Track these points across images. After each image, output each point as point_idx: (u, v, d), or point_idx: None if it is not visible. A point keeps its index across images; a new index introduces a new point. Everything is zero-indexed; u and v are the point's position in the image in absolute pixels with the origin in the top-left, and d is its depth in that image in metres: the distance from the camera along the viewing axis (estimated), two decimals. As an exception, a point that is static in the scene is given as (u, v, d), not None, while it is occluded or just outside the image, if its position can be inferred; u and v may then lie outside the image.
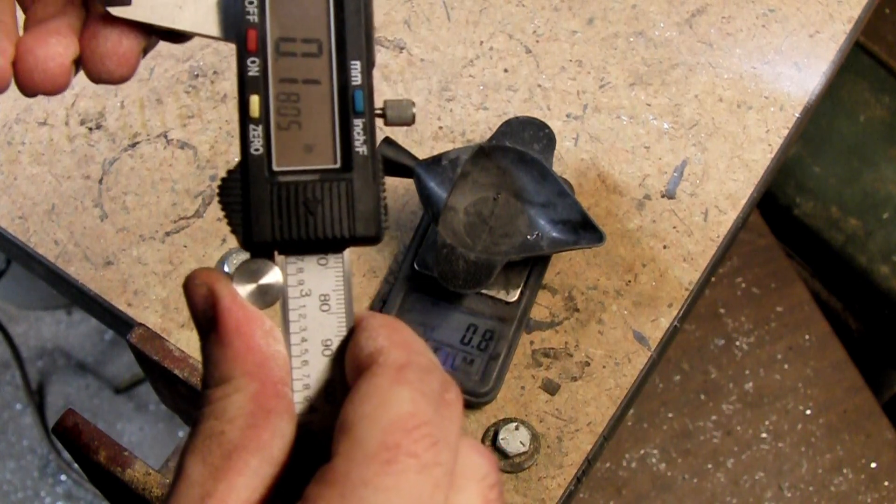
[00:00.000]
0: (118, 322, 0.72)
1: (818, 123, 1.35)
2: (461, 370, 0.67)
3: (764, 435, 1.16)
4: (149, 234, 0.74)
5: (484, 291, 0.70)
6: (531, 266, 0.71)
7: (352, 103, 0.37)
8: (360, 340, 0.35)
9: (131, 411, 1.79)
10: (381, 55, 0.83)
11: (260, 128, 0.37)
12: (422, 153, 0.71)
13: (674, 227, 0.76)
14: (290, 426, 0.34)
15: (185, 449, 0.33)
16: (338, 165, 0.37)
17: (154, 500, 0.63)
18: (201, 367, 0.36)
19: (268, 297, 0.36)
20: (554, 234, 0.70)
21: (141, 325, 0.69)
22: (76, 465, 1.60)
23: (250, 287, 0.36)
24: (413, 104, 0.40)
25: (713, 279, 0.95)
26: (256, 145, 0.36)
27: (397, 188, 0.76)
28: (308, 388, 0.36)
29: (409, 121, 0.40)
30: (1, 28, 0.39)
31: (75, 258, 0.73)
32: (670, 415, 1.16)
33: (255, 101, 0.37)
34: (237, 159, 0.37)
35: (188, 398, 0.68)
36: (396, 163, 0.69)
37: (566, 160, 0.79)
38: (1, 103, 0.80)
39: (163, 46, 0.83)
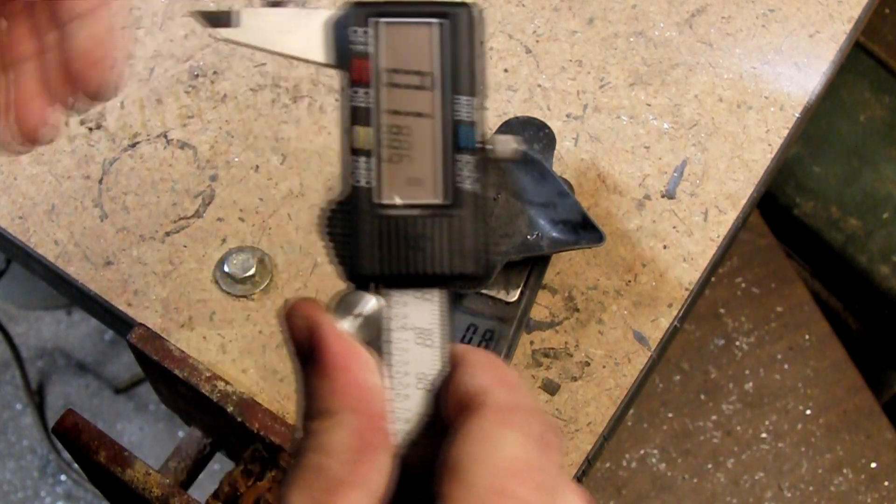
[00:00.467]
0: (118, 322, 0.72)
1: (818, 123, 1.35)
2: (461, 370, 0.67)
3: (764, 435, 1.16)
4: (149, 234, 0.74)
5: (484, 291, 0.70)
6: (531, 266, 0.71)
7: (460, 139, 0.37)
8: (463, 377, 0.35)
9: (131, 411, 1.79)
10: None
11: (368, 160, 0.36)
12: (422, 153, 0.71)
13: (674, 227, 0.76)
14: (390, 461, 0.34)
15: (288, 482, 0.33)
16: (444, 201, 0.36)
17: (154, 500, 0.63)
18: (301, 397, 0.36)
19: (367, 329, 0.36)
20: (554, 234, 0.70)
21: (141, 325, 0.69)
22: (76, 465, 1.60)
23: (351, 320, 0.36)
24: (518, 140, 0.39)
25: (713, 279, 0.95)
26: (364, 178, 0.36)
27: (397, 188, 0.76)
28: (407, 422, 0.36)
29: (514, 156, 0.39)
30: None
31: (75, 258, 0.73)
32: (670, 415, 1.16)
33: (363, 132, 0.36)
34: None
35: (188, 398, 0.68)
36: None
37: (566, 160, 0.79)
38: (1, 103, 0.80)
39: (163, 46, 0.83)
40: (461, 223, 0.36)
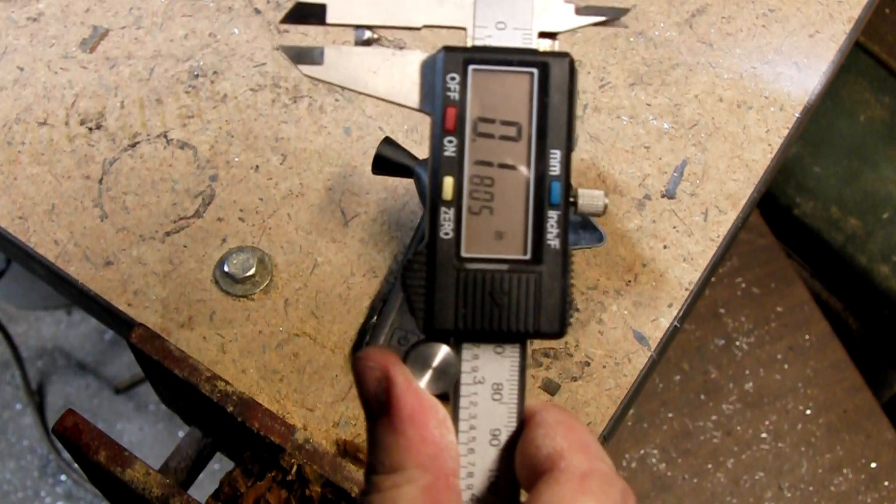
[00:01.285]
0: (118, 322, 0.72)
1: (818, 123, 1.35)
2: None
3: (764, 435, 1.16)
4: (149, 234, 0.74)
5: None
6: (531, 266, 0.71)
7: (548, 194, 0.36)
8: (537, 438, 0.34)
9: (131, 411, 1.79)
10: (381, 55, 0.83)
11: (451, 211, 0.36)
12: (422, 153, 0.71)
13: (674, 227, 0.76)
14: None
15: None
16: (528, 257, 0.36)
17: (154, 500, 0.63)
18: (368, 449, 0.35)
19: (441, 382, 0.36)
20: (554, 234, 0.69)
21: (141, 325, 0.69)
22: (76, 465, 1.60)
23: (426, 373, 0.35)
24: (605, 195, 0.39)
25: (713, 279, 0.95)
26: (447, 229, 0.36)
27: (397, 188, 0.76)
28: (472, 477, 0.36)
29: (601, 212, 0.38)
30: None
31: (75, 258, 0.73)
32: (670, 415, 1.16)
33: (448, 182, 0.36)
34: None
35: (188, 398, 0.68)
36: (396, 163, 0.69)
37: (566, 160, 0.79)
38: (1, 103, 0.80)
39: (163, 46, 0.83)
40: (544, 281, 0.36)
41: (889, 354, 1.35)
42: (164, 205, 0.75)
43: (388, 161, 0.69)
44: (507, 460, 0.36)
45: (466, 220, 0.36)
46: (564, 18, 0.38)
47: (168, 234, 0.74)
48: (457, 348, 0.36)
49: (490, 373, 0.36)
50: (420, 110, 0.37)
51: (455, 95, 0.36)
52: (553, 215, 0.36)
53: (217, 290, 0.72)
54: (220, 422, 0.67)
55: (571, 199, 0.37)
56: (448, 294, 0.35)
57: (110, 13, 0.85)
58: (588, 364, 0.70)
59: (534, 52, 0.37)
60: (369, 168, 0.69)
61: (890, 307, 1.31)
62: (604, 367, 0.70)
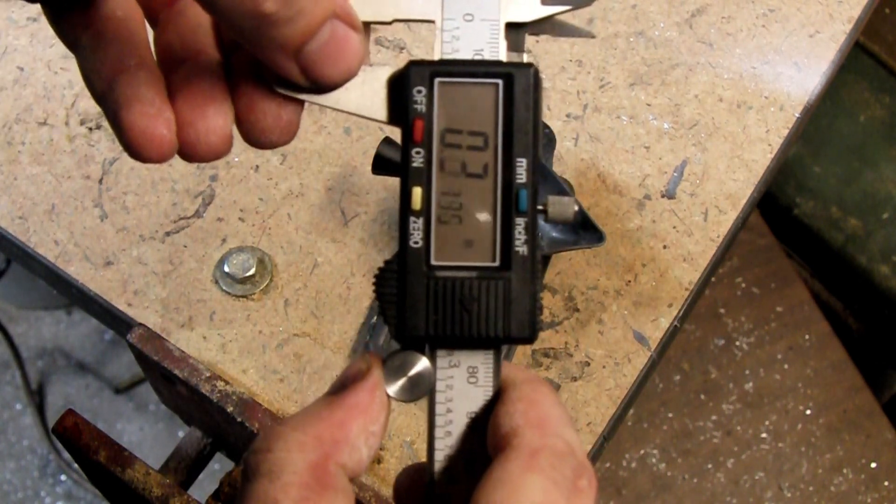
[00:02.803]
0: (118, 322, 0.72)
1: (818, 123, 1.35)
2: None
3: (764, 435, 1.16)
4: (149, 234, 0.74)
5: (484, 291, 0.70)
6: (531, 266, 0.71)
7: (515, 202, 0.36)
8: (500, 416, 0.35)
9: (131, 411, 1.79)
10: (381, 55, 0.83)
11: (420, 220, 0.36)
12: (422, 153, 0.71)
13: (674, 227, 0.76)
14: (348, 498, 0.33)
15: None
16: (496, 264, 0.36)
17: (154, 500, 0.63)
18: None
19: (418, 389, 0.36)
20: (554, 234, 0.70)
21: (141, 325, 0.69)
22: (76, 465, 1.60)
23: (401, 382, 0.36)
24: (575, 202, 0.39)
25: (713, 279, 0.95)
26: (416, 238, 0.36)
27: (397, 188, 0.76)
28: (449, 459, 0.36)
29: (571, 218, 0.39)
30: (157, 100, 0.36)
31: (75, 258, 0.73)
32: (670, 415, 1.16)
33: (417, 192, 0.37)
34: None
35: (188, 398, 0.68)
36: (396, 163, 0.69)
37: (566, 160, 0.79)
38: (1, 103, 0.80)
39: (163, 46, 0.83)
40: (513, 286, 0.36)
41: (889, 354, 1.35)
42: (164, 205, 0.75)
43: (388, 161, 0.69)
44: (482, 441, 0.36)
45: (435, 229, 0.37)
46: (531, 8, 0.38)
47: (168, 234, 0.74)
48: (431, 355, 0.37)
49: (465, 356, 0.37)
50: (390, 124, 0.38)
51: (422, 108, 0.37)
52: (521, 222, 0.36)
53: (217, 290, 0.72)
54: (220, 422, 0.67)
55: (542, 207, 0.38)
56: (419, 301, 0.36)
57: (110, 13, 0.85)
58: (588, 364, 0.70)
59: (499, 63, 0.37)
60: (369, 168, 0.69)
61: (890, 307, 1.31)
62: (604, 367, 0.70)
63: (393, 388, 0.36)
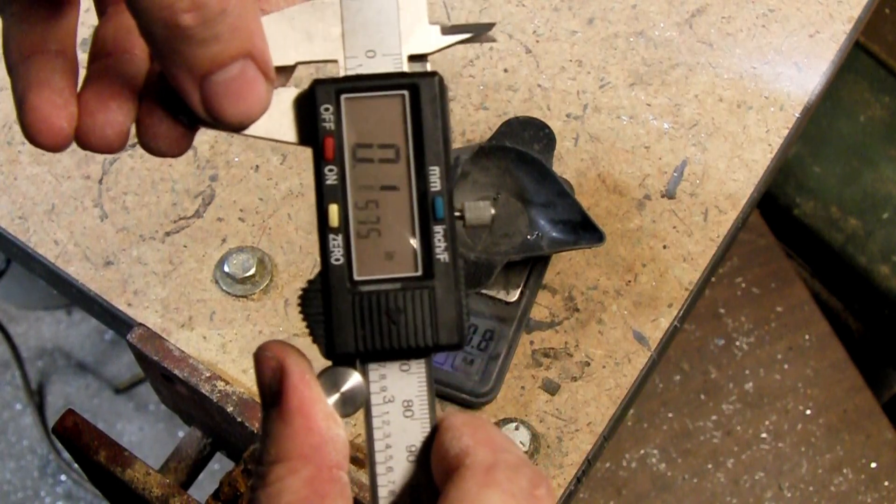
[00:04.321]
0: (118, 322, 0.72)
1: (818, 123, 1.35)
2: (461, 370, 0.67)
3: (764, 435, 1.16)
4: (149, 234, 0.74)
5: (484, 291, 0.70)
6: (531, 266, 0.71)
7: (432, 210, 0.36)
8: (445, 441, 0.35)
9: (131, 411, 1.79)
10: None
11: (340, 237, 0.36)
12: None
13: (674, 227, 0.76)
14: None
15: None
16: (419, 273, 0.36)
17: (154, 500, 0.63)
18: (259, 442, 0.35)
19: (351, 405, 0.36)
20: (554, 234, 0.70)
21: (141, 325, 0.69)
22: (76, 465, 1.60)
23: (333, 396, 0.36)
24: (490, 206, 0.39)
25: (713, 279, 0.95)
26: (337, 255, 0.36)
27: (397, 188, 0.76)
28: (394, 494, 0.36)
29: (488, 222, 0.39)
30: (66, 91, 0.36)
31: (75, 258, 0.73)
32: (670, 415, 1.16)
33: (333, 209, 0.36)
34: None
35: (188, 398, 0.68)
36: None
37: (566, 160, 0.79)
38: (1, 103, 0.80)
39: (163, 46, 0.83)
40: (437, 294, 0.36)
41: (889, 354, 1.35)
42: (164, 205, 0.75)
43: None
44: (426, 472, 0.36)
45: (355, 245, 0.36)
46: (431, 40, 0.38)
47: (168, 234, 0.74)
48: (363, 370, 0.37)
49: (399, 391, 0.37)
50: (300, 144, 0.38)
51: (330, 125, 0.36)
52: (439, 230, 0.36)
53: (217, 290, 0.72)
54: (220, 422, 0.67)
55: (458, 213, 0.38)
56: (345, 318, 0.36)
57: (110, 13, 0.85)
58: (588, 364, 0.70)
59: (403, 74, 0.37)
60: (369, 168, 0.69)
61: (890, 307, 1.31)
62: (604, 367, 0.70)
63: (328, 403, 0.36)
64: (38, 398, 1.79)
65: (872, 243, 1.31)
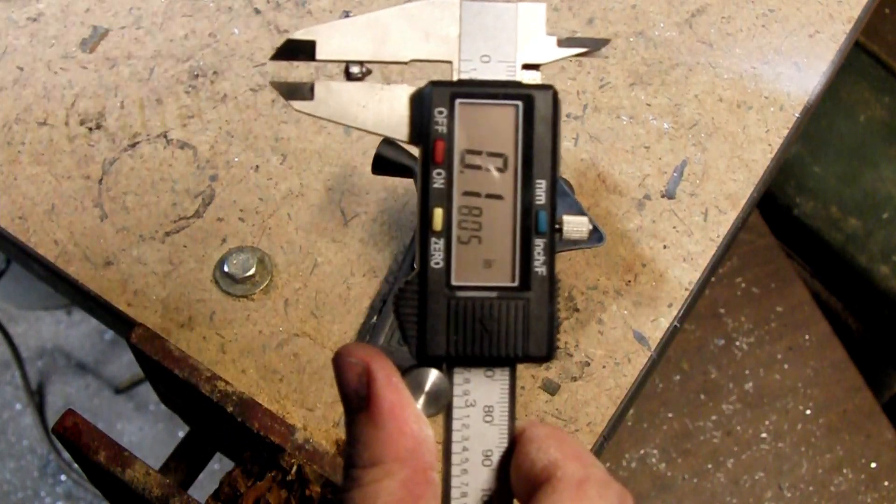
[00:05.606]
0: (118, 322, 0.72)
1: (818, 123, 1.35)
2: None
3: (764, 435, 1.16)
4: (149, 234, 0.74)
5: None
6: (531, 266, 0.71)
7: (535, 223, 0.37)
8: (531, 452, 0.35)
9: (131, 411, 1.79)
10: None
11: (441, 241, 0.37)
12: (422, 153, 0.71)
13: (674, 227, 0.76)
14: None
15: None
16: (516, 284, 0.37)
17: (154, 500, 0.63)
18: (346, 444, 0.36)
19: (434, 406, 0.37)
20: (554, 234, 0.69)
21: (141, 325, 0.69)
22: (76, 465, 1.60)
23: (419, 397, 0.36)
24: (590, 222, 0.40)
25: (713, 279, 0.95)
26: (437, 259, 0.37)
27: (397, 188, 0.76)
28: (465, 497, 0.37)
29: (585, 237, 0.39)
30: None
31: (75, 258, 0.73)
32: (670, 415, 1.16)
33: (438, 213, 0.37)
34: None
35: (188, 398, 0.68)
36: (396, 163, 0.69)
37: (566, 160, 0.79)
38: (1, 103, 0.80)
39: (163, 46, 0.83)
40: (531, 307, 0.37)
41: (889, 354, 1.35)
42: (164, 205, 0.75)
43: (388, 161, 0.69)
44: (500, 479, 0.37)
45: (456, 250, 0.37)
46: (547, 50, 0.38)
47: (168, 234, 0.74)
48: (448, 373, 0.37)
49: (481, 396, 0.37)
50: (409, 142, 0.38)
51: (443, 129, 0.37)
52: (540, 243, 0.37)
53: (217, 290, 0.72)
54: (220, 422, 0.67)
55: (557, 227, 0.38)
56: (439, 321, 0.36)
57: (110, 13, 0.85)
58: (588, 364, 0.70)
59: (518, 84, 0.38)
60: (369, 168, 0.69)
61: (890, 307, 1.31)
62: (604, 367, 0.70)
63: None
64: (38, 398, 1.79)
65: (872, 243, 1.31)
